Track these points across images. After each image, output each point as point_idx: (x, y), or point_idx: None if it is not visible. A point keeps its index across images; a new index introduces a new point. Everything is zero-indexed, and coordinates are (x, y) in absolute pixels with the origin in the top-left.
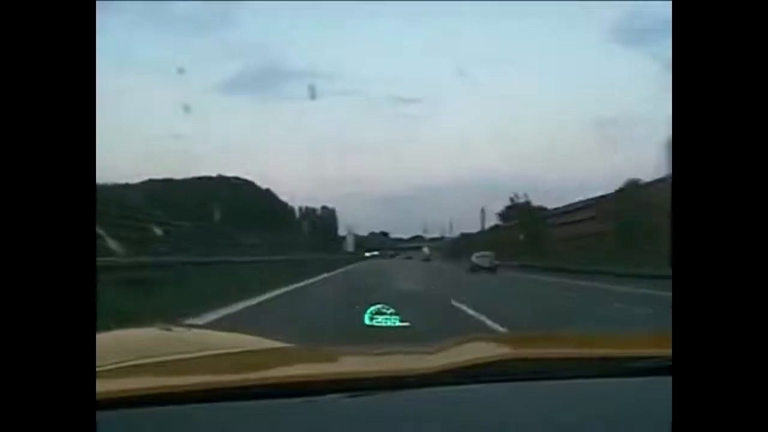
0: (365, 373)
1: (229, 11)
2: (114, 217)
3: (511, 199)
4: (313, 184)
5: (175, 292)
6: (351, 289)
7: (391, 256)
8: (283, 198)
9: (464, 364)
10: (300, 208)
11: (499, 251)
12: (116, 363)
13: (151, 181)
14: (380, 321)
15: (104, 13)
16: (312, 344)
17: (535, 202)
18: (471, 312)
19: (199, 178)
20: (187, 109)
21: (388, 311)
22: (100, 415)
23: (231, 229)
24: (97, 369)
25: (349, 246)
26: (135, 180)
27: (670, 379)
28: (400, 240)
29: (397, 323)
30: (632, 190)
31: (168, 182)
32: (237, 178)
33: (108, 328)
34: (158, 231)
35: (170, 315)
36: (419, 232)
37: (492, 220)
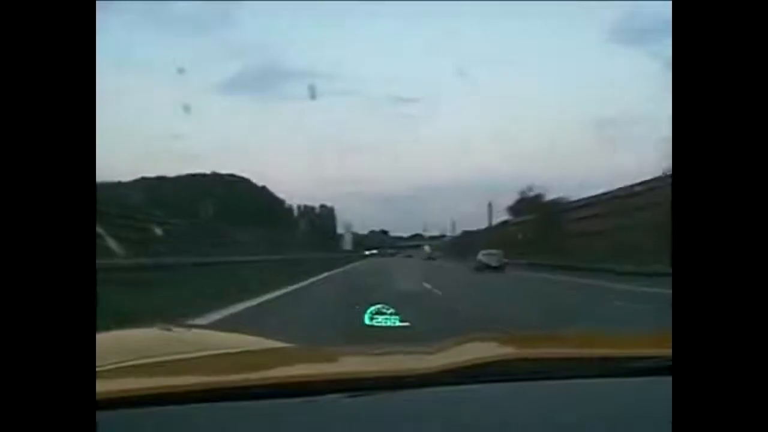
0: (365, 373)
1: (228, 11)
2: (110, 216)
3: (522, 193)
4: (312, 183)
5: (141, 297)
6: (351, 288)
7: (392, 255)
8: (281, 196)
9: (464, 364)
10: (299, 207)
11: (507, 249)
12: (116, 363)
13: (144, 178)
14: (380, 321)
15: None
16: (312, 344)
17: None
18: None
19: (193, 175)
20: (185, 108)
21: (388, 311)
22: (100, 415)
23: (224, 227)
24: (97, 369)
25: (347, 244)
26: (128, 178)
27: (670, 379)
28: (400, 238)
29: (397, 323)
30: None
31: (161, 180)
32: (232, 176)
33: (108, 328)
34: (154, 230)
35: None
36: (419, 231)
37: (497, 217)
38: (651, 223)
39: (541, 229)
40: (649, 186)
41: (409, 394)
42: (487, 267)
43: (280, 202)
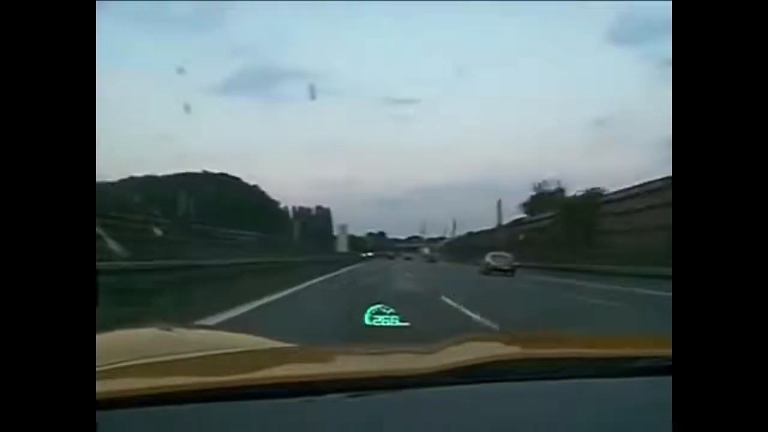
0: (365, 373)
1: (224, 11)
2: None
3: (537, 186)
4: (308, 185)
5: None
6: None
7: (390, 257)
8: (275, 197)
9: (464, 364)
10: (294, 208)
11: (522, 250)
12: (116, 363)
13: (132, 178)
14: (380, 321)
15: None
16: (312, 344)
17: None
18: None
19: (183, 174)
20: (182, 109)
21: (388, 311)
22: (100, 415)
23: (211, 228)
24: (97, 369)
25: (341, 246)
26: (117, 178)
27: (670, 379)
28: (397, 240)
29: (397, 323)
30: None
31: (150, 179)
32: (224, 174)
33: (108, 328)
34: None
35: None
36: (416, 233)
37: (502, 217)
38: None
39: (568, 227)
40: None
41: (409, 394)
42: (496, 270)
43: (273, 203)
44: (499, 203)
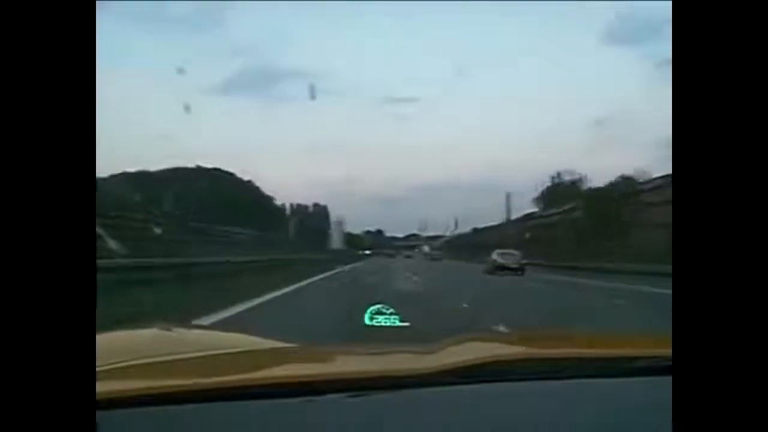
0: (365, 373)
1: (224, 11)
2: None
3: (553, 178)
4: (307, 183)
5: None
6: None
7: (390, 256)
8: (270, 193)
9: (464, 364)
10: (291, 205)
11: (534, 247)
12: (116, 363)
13: (123, 173)
14: (380, 321)
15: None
16: (312, 344)
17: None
18: None
19: (175, 169)
20: (182, 109)
21: (388, 311)
22: (100, 415)
23: (203, 224)
24: (97, 369)
25: (336, 242)
26: (106, 173)
27: (670, 379)
28: (395, 238)
29: (397, 323)
30: None
31: (142, 174)
32: (217, 170)
33: (108, 328)
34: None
35: None
36: (414, 231)
37: (514, 211)
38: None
39: (592, 221)
40: None
41: (409, 394)
42: (503, 269)
43: (268, 199)
44: (508, 197)
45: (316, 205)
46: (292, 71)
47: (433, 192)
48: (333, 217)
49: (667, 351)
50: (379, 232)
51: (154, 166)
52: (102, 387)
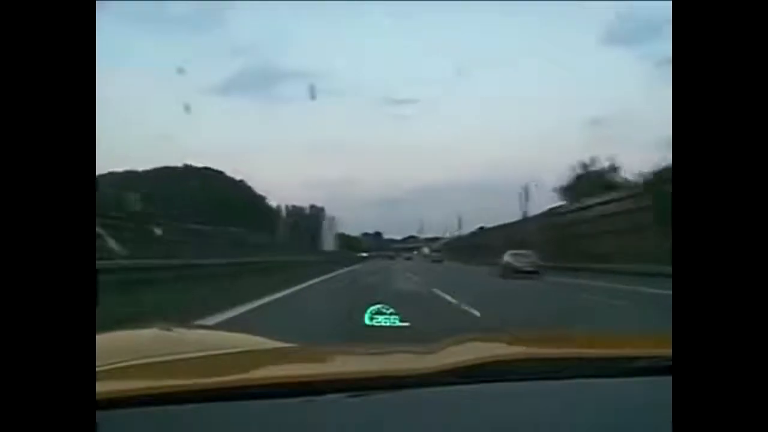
0: (365, 373)
1: (224, 11)
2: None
3: (585, 165)
4: (306, 185)
5: None
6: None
7: (390, 257)
8: (262, 193)
9: (464, 364)
10: (287, 207)
11: (556, 248)
12: (116, 363)
13: (111, 173)
14: (380, 321)
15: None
16: (312, 344)
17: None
18: None
19: (164, 168)
20: (182, 109)
21: (388, 311)
22: (100, 415)
23: (190, 225)
24: (97, 369)
25: (328, 244)
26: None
27: (670, 379)
28: (394, 241)
29: (397, 323)
30: None
31: (130, 174)
32: (207, 168)
33: (108, 328)
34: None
35: None
36: (413, 233)
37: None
38: None
39: (643, 216)
40: None
41: (409, 394)
42: (518, 273)
43: (260, 198)
44: (526, 190)
45: (312, 206)
46: (291, 71)
47: (432, 193)
48: (329, 219)
49: (667, 351)
50: (377, 234)
51: (153, 166)
52: (102, 387)
